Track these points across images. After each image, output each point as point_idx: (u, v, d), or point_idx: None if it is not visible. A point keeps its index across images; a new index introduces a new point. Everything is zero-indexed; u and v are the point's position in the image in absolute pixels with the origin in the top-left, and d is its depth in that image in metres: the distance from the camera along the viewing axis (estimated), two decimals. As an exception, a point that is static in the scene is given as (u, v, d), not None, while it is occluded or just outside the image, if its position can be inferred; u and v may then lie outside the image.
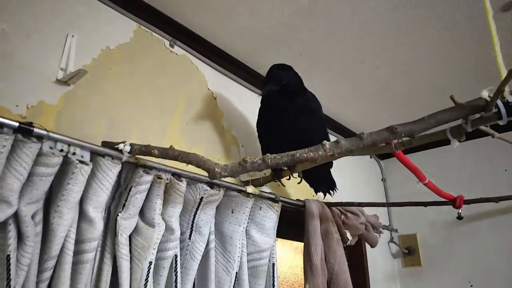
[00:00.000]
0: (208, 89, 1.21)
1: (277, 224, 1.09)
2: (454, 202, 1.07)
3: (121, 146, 0.76)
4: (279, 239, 1.38)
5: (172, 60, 1.11)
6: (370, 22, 1.13)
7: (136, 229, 0.80)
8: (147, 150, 0.75)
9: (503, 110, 0.64)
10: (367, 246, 1.63)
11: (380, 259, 1.81)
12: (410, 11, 1.09)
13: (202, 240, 0.91)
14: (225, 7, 1.07)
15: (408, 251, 1.85)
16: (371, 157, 2.01)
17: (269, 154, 0.72)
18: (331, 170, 1.23)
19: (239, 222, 0.99)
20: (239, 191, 0.99)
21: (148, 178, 0.78)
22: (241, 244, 0.99)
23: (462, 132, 0.75)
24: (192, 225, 0.92)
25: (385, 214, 1.91)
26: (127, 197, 0.77)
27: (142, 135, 0.97)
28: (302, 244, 1.18)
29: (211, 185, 0.93)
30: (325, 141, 0.71)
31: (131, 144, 0.76)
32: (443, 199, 1.09)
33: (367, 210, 1.47)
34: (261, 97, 1.14)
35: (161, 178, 0.80)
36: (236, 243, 0.97)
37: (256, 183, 1.12)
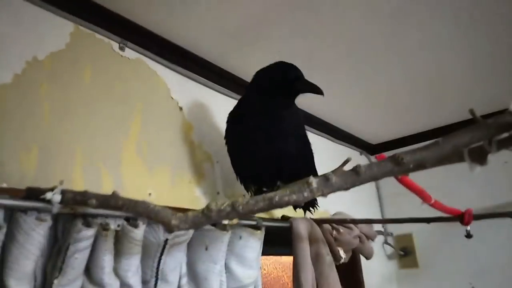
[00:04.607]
0: (172, 98, 1.02)
1: (260, 252, 0.95)
2: (462, 218, 0.94)
3: (48, 195, 0.58)
4: (262, 256, 1.23)
5: (123, 67, 0.92)
6: (358, 16, 0.96)
7: (81, 293, 0.64)
8: (82, 199, 0.58)
9: (542, 128, 0.50)
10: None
11: (374, 262, 1.70)
12: (415, 6, 0.93)
13: (170, 289, 0.76)
14: (185, -2, 0.88)
15: (404, 253, 1.74)
16: (361, 154, 1.86)
17: (240, 199, 0.56)
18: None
19: (214, 260, 0.83)
20: (214, 223, 0.83)
21: (89, 232, 0.61)
22: (220, 282, 0.85)
23: (485, 155, 0.61)
24: (157, 272, 0.76)
25: (379, 214, 1.79)
26: (64, 258, 0.60)
27: (89, 163, 0.79)
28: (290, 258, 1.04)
29: (177, 223, 0.77)
30: (311, 179, 0.55)
31: (62, 192, 0.59)
32: (447, 215, 0.96)
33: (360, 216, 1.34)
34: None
35: (108, 230, 0.63)
36: (213, 285, 0.83)
37: (234, 207, 0.96)
